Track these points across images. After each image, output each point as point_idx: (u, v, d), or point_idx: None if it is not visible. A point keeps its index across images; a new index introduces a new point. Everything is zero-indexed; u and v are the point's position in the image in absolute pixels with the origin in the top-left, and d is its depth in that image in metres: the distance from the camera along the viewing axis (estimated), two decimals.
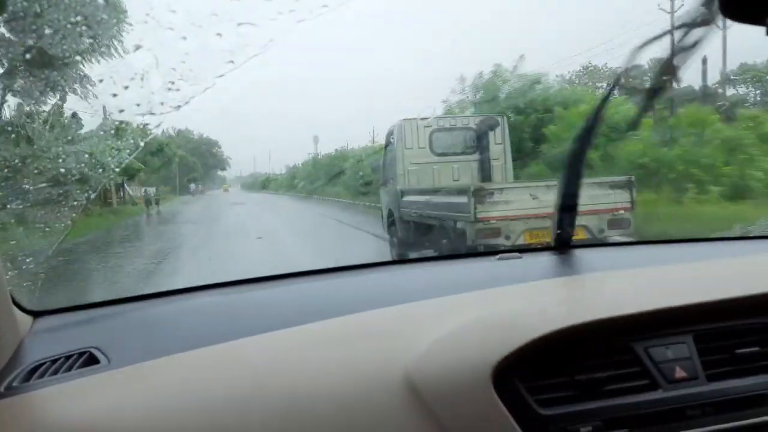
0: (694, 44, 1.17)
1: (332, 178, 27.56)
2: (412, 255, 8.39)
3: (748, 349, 1.00)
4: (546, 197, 6.27)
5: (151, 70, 1.69)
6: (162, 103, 1.66)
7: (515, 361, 0.90)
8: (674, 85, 9.71)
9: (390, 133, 9.61)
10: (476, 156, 9.11)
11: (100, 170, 1.81)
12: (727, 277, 1.26)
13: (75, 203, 1.60)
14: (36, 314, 1.28)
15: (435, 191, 8.08)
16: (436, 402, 0.87)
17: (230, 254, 9.75)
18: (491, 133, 9.10)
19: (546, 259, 1.57)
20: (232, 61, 1.62)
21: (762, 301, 1.05)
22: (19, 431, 0.86)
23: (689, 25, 1.15)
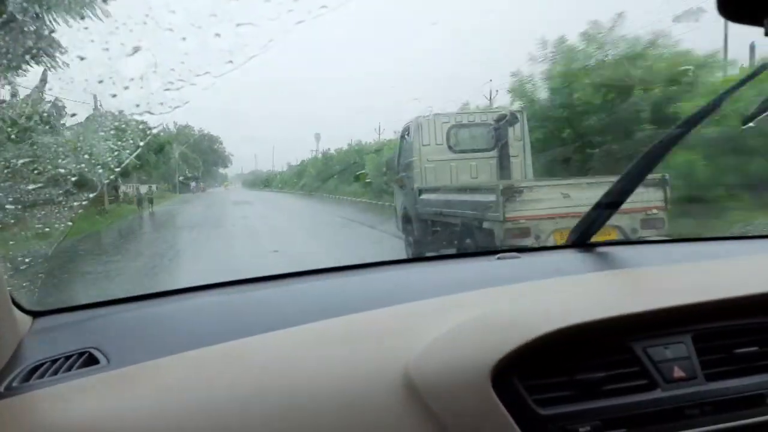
0: None
1: (336, 174, 25.08)
2: (429, 255, 8.13)
3: (746, 349, 1.00)
4: (577, 195, 6.01)
5: (150, 71, 1.69)
6: (161, 104, 1.66)
7: (514, 361, 0.90)
8: None
9: (405, 129, 9.33)
10: (495, 153, 8.81)
11: (100, 170, 1.80)
12: (725, 276, 1.26)
13: (74, 203, 1.60)
14: (35, 314, 1.28)
15: (459, 189, 7.81)
16: (435, 401, 0.87)
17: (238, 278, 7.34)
18: (510, 129, 8.80)
19: (545, 259, 1.57)
20: (231, 62, 1.62)
21: (761, 301, 1.05)
22: (19, 431, 0.86)
23: None
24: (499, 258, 1.56)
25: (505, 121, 8.80)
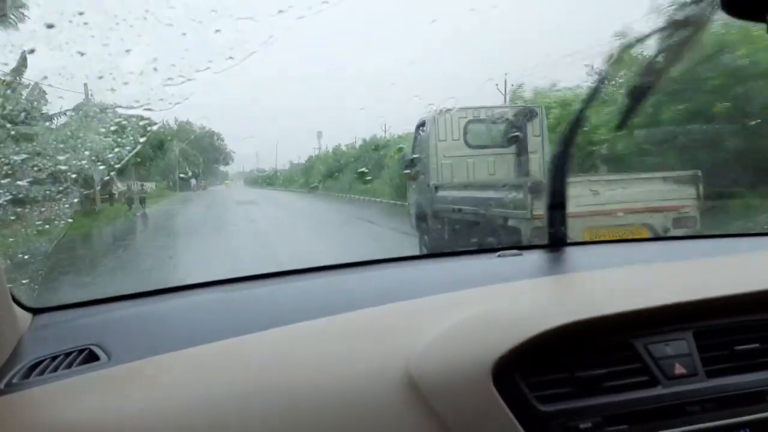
0: (681, 45, 1.14)
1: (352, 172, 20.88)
2: (430, 253, 7.92)
3: (747, 346, 1.00)
4: (608, 193, 5.86)
5: (150, 67, 1.69)
6: (161, 99, 1.66)
7: (515, 358, 0.90)
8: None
9: (420, 125, 9.05)
10: (513, 149, 8.58)
11: (101, 166, 1.80)
12: (726, 273, 1.26)
13: (74, 200, 1.60)
14: (36, 311, 1.28)
15: (482, 186, 7.52)
16: (436, 398, 0.87)
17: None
18: (529, 125, 8.57)
19: (546, 257, 1.57)
20: (231, 57, 1.61)
21: (762, 298, 1.05)
22: (19, 428, 0.86)
23: (677, 25, 1.13)
24: (499, 256, 1.56)
25: (524, 116, 8.59)
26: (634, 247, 1.98)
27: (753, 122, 8.79)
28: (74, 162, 1.74)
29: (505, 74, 18.51)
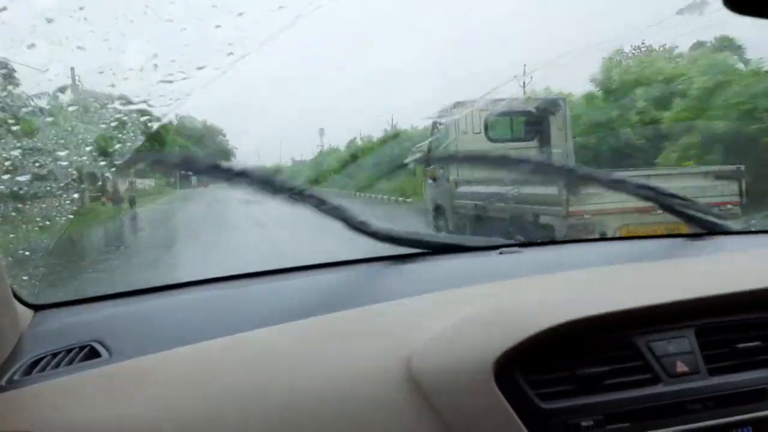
0: None
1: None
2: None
3: (749, 344, 1.00)
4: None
5: (150, 63, 1.68)
6: (162, 96, 1.65)
7: (517, 355, 0.90)
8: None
9: (439, 118, 8.79)
10: (535, 143, 8.33)
11: (102, 162, 1.79)
12: (728, 271, 1.26)
13: (75, 195, 1.60)
14: (37, 308, 1.28)
15: (510, 181, 7.10)
16: (437, 396, 0.87)
17: None
18: (552, 118, 8.33)
19: (547, 254, 1.56)
20: (232, 53, 1.61)
21: (764, 296, 1.05)
22: (20, 424, 0.86)
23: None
24: (501, 252, 1.56)
25: (547, 109, 8.33)
26: (636, 244, 1.97)
27: None
28: (75, 158, 1.73)
29: (524, 65, 17.89)
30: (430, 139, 8.95)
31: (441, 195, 8.57)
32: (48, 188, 1.59)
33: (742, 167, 6.17)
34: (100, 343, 1.06)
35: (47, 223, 1.58)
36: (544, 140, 8.34)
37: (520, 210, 6.48)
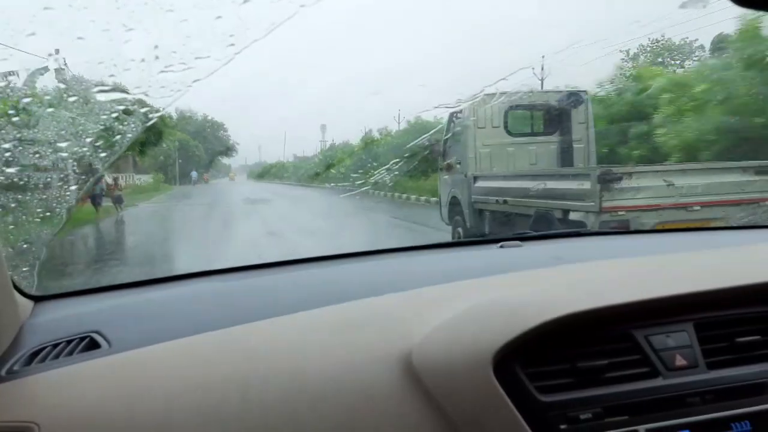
0: None
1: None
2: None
3: (748, 338, 1.00)
4: (683, 183, 5.32)
5: (151, 54, 1.67)
6: (163, 87, 1.65)
7: (516, 348, 0.90)
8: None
9: (456, 112, 8.43)
10: (556, 137, 8.07)
11: (102, 154, 1.79)
12: (728, 265, 1.26)
13: (74, 187, 1.60)
14: (37, 299, 1.28)
15: (536, 175, 6.81)
16: (436, 388, 0.87)
17: None
18: (574, 111, 8.03)
19: (547, 247, 1.56)
20: (233, 45, 1.60)
21: (763, 291, 1.05)
22: (20, 415, 0.86)
23: None
24: (501, 246, 1.56)
25: (569, 102, 8.02)
26: (636, 238, 1.97)
27: None
28: (75, 149, 1.73)
29: (542, 57, 17.29)
30: (446, 136, 8.67)
31: (457, 190, 8.24)
32: (48, 179, 1.59)
33: None
34: (100, 334, 1.07)
35: (47, 214, 1.58)
36: (566, 134, 8.06)
37: (547, 205, 6.13)
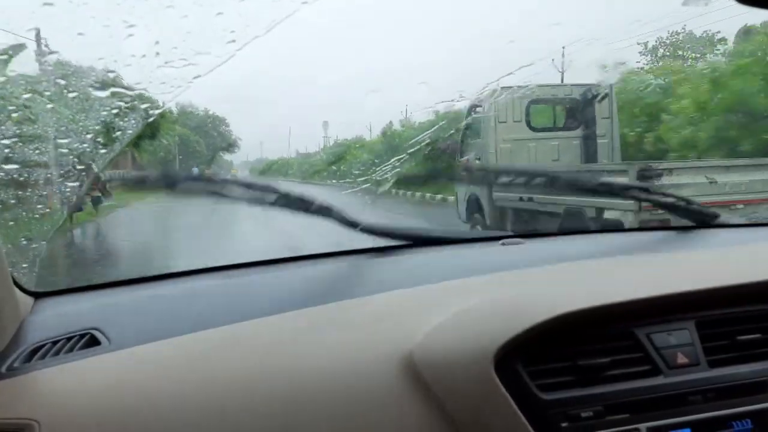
0: None
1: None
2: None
3: (749, 336, 1.00)
4: (724, 180, 5.11)
5: (152, 50, 1.67)
6: (164, 83, 1.64)
7: (517, 346, 0.90)
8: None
9: (474, 105, 8.10)
10: (579, 132, 7.82)
11: (102, 150, 1.78)
12: (730, 263, 1.26)
13: (73, 184, 1.59)
14: (37, 295, 1.28)
15: (565, 172, 6.23)
16: (437, 385, 0.87)
17: None
18: (597, 105, 7.79)
19: (549, 245, 1.56)
20: (234, 41, 1.59)
21: (764, 288, 1.04)
22: (20, 412, 0.86)
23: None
24: (503, 243, 1.56)
25: (592, 95, 7.76)
26: (637, 236, 1.97)
27: None
28: (76, 145, 1.72)
29: (563, 47, 16.26)
30: (464, 130, 8.33)
31: (476, 187, 7.87)
32: (48, 175, 1.58)
33: None
34: (100, 330, 1.06)
35: (47, 210, 1.58)
36: (589, 129, 7.81)
37: (579, 203, 5.75)
